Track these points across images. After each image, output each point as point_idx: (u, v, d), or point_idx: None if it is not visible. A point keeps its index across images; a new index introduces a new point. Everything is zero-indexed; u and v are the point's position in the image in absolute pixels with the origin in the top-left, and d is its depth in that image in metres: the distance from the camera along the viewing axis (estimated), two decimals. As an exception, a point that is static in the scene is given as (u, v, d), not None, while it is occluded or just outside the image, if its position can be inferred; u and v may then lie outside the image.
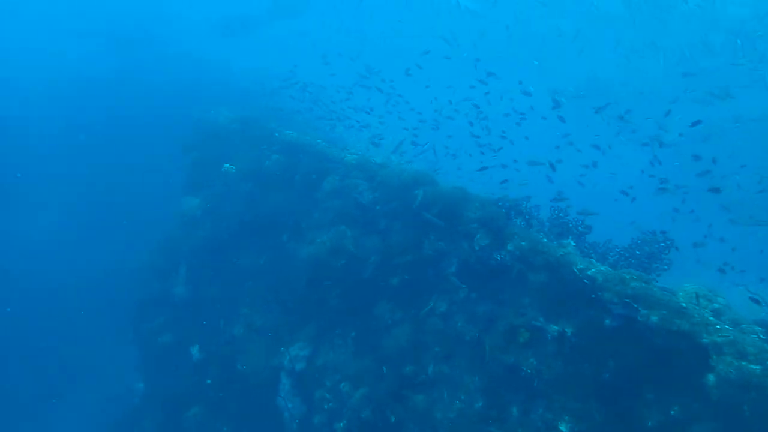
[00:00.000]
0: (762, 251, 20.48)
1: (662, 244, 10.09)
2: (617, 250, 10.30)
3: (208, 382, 12.39)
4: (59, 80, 21.67)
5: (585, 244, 10.30)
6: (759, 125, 24.48)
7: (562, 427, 7.75)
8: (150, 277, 14.89)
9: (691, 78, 21.88)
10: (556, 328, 8.42)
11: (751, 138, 24.83)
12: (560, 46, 26.18)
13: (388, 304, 10.55)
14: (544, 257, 8.93)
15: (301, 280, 11.50)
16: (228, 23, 32.22)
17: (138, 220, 17.39)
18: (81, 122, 19.71)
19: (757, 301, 8.09)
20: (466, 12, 26.22)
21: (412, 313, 10.30)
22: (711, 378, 6.69)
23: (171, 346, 13.69)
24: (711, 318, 7.26)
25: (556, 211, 10.75)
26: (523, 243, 9.23)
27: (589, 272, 8.29)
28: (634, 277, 7.95)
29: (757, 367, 6.40)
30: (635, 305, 7.55)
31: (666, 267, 10.05)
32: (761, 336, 7.11)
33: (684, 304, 7.41)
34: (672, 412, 7.03)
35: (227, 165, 14.18)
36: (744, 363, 6.50)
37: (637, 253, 10.07)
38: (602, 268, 8.33)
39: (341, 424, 9.75)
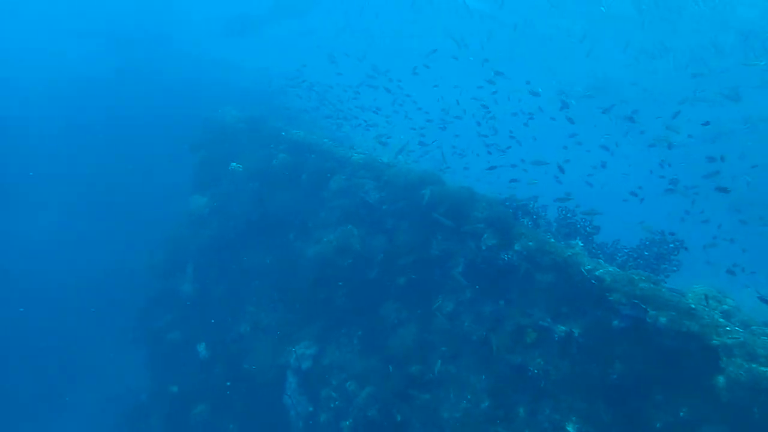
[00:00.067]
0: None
1: (671, 245, 10.02)
2: (625, 250, 10.24)
3: (216, 379, 12.43)
4: (65, 80, 21.81)
5: (593, 245, 10.25)
6: (769, 125, 24.29)
7: (570, 428, 7.71)
8: (158, 275, 14.98)
9: (701, 79, 21.71)
10: (564, 328, 8.38)
11: (761, 138, 24.62)
12: (568, 47, 26.05)
13: (395, 304, 10.54)
14: (551, 257, 8.89)
15: (307, 279, 11.53)
16: (233, 23, 32.30)
17: (145, 218, 17.47)
18: (88, 122, 19.83)
19: (767, 303, 8.00)
20: (474, 13, 26.13)
21: (419, 312, 10.29)
22: (721, 380, 6.64)
23: (178, 344, 13.76)
24: (721, 319, 7.20)
25: (564, 212, 10.71)
26: (530, 243, 9.19)
27: (597, 273, 8.25)
28: (643, 278, 7.89)
29: (768, 369, 6.34)
30: (644, 306, 7.49)
31: (675, 268, 9.98)
32: (772, 338, 7.03)
33: (693, 306, 7.35)
34: (681, 413, 6.97)
35: (234, 164, 14.23)
36: (754, 365, 6.44)
37: (646, 254, 10.01)
38: (610, 269, 8.28)
39: (347, 422, 9.75)
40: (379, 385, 9.76)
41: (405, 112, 18.57)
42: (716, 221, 18.34)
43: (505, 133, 16.73)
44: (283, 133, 14.12)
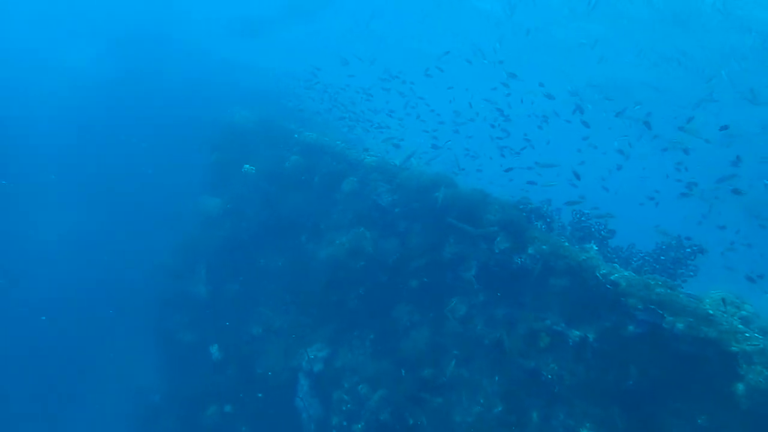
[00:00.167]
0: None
1: (688, 250, 9.88)
2: (641, 255, 10.12)
3: (229, 381, 12.48)
4: (78, 82, 22.05)
5: (608, 249, 10.14)
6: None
7: (584, 434, 7.62)
8: (171, 277, 15.06)
9: (718, 82, 21.41)
10: (578, 333, 8.28)
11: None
12: (583, 50, 25.84)
13: (407, 307, 10.50)
14: (565, 261, 8.80)
15: (319, 281, 11.52)
16: (245, 24, 32.46)
17: (158, 220, 17.58)
18: (101, 124, 20.02)
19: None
20: (487, 16, 26.04)
21: (431, 315, 10.24)
22: (740, 387, 6.52)
23: (191, 345, 13.83)
24: (740, 326, 7.07)
25: (578, 215, 10.60)
26: (544, 247, 9.11)
27: (612, 277, 8.15)
28: (659, 282, 7.78)
29: (789, 376, 6.21)
30: (660, 311, 7.38)
31: (692, 273, 9.83)
32: (792, 345, 6.88)
33: (711, 312, 7.23)
34: (699, 420, 6.85)
35: (247, 166, 14.27)
36: (775, 373, 6.31)
37: (662, 258, 9.88)
38: (626, 273, 8.18)
39: (359, 425, 9.73)
40: (392, 388, 9.73)
41: (417, 114, 18.52)
42: (734, 226, 18.04)
43: (518, 136, 16.61)
44: (296, 135, 14.14)
